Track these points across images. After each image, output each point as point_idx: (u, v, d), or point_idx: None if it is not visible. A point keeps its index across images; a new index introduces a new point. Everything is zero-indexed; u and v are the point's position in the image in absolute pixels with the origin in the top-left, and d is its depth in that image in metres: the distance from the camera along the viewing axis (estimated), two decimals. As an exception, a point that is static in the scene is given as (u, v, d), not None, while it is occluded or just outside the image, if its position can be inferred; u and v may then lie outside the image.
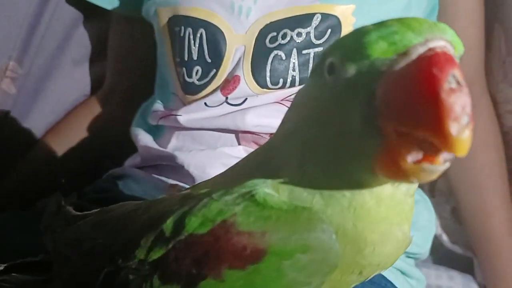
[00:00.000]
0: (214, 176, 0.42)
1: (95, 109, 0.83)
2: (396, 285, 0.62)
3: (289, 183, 0.34)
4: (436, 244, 0.82)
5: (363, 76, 0.31)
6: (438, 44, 0.29)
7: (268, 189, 0.34)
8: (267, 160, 0.37)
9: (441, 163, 0.28)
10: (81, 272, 0.39)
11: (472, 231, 0.78)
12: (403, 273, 0.65)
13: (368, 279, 0.37)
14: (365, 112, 0.30)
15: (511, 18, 0.79)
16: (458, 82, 0.27)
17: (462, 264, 0.84)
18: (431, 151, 0.28)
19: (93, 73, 0.86)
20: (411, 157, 0.28)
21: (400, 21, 0.30)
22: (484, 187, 0.76)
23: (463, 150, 0.26)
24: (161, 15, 0.68)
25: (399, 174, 0.29)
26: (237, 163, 0.41)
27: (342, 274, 0.34)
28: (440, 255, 0.86)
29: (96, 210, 0.43)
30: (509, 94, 0.81)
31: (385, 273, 0.61)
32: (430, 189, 0.87)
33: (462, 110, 0.26)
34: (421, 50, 0.28)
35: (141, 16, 0.74)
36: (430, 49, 0.28)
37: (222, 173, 0.42)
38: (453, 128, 0.26)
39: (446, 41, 0.29)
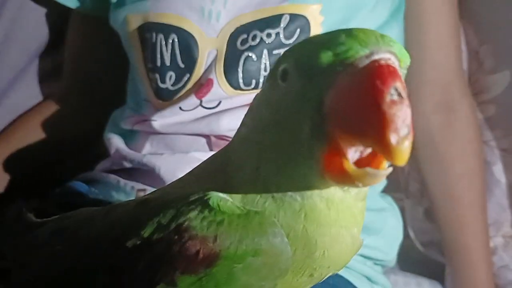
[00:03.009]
0: (173, 181, 0.43)
1: (48, 111, 0.80)
2: (361, 291, 0.63)
3: (244, 187, 0.35)
4: (407, 246, 0.81)
5: (312, 84, 0.31)
6: (383, 56, 0.30)
7: (221, 194, 0.35)
8: (224, 163, 0.37)
9: (385, 168, 0.29)
10: (39, 279, 0.39)
11: (446, 240, 0.77)
12: (369, 279, 0.66)
13: (321, 280, 0.38)
14: (314, 119, 0.31)
15: (479, 8, 0.79)
16: (399, 95, 0.28)
17: (433, 268, 0.84)
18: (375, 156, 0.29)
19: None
20: (354, 161, 0.29)
21: (348, 32, 0.31)
22: (460, 198, 0.74)
23: (402, 159, 0.27)
24: (130, 22, 0.68)
25: (344, 178, 0.30)
26: (195, 167, 0.42)
27: (293, 276, 0.35)
28: (411, 259, 0.85)
29: (55, 217, 0.43)
30: (485, 82, 0.79)
31: (351, 279, 0.63)
32: (405, 190, 0.87)
33: (402, 122, 0.27)
34: (366, 61, 0.29)
35: (102, 18, 0.73)
36: (374, 61, 0.29)
37: (181, 177, 0.42)
38: (392, 138, 0.27)
39: (391, 54, 0.30)
